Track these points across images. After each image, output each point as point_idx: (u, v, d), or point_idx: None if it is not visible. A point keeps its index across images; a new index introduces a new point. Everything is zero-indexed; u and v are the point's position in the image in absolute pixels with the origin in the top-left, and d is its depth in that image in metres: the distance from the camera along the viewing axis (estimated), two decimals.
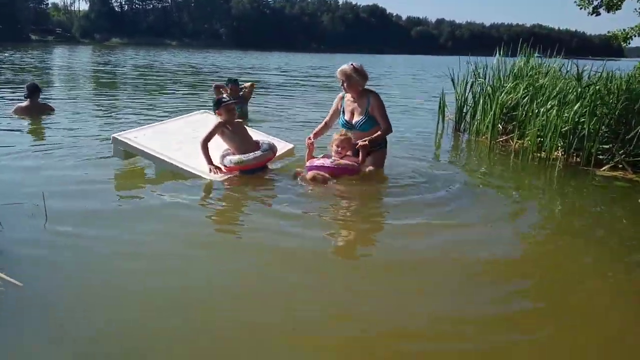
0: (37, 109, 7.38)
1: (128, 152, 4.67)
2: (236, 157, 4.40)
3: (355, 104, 4.56)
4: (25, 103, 7.34)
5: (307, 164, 4.47)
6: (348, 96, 4.61)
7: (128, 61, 27.73)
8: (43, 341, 2.17)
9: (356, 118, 4.55)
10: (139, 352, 2.14)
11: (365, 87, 4.55)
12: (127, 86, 13.81)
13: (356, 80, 4.47)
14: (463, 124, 7.67)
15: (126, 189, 4.31)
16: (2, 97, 9.48)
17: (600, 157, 5.53)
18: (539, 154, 5.93)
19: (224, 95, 4.97)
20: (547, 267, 3.07)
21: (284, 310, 2.46)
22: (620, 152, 5.44)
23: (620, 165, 5.39)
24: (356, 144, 4.45)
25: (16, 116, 7.18)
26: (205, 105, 8.63)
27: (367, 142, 4.38)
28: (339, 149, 4.37)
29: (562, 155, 5.80)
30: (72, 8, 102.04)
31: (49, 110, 7.55)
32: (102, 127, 6.84)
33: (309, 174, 4.29)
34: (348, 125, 4.59)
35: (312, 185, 4.22)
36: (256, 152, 4.45)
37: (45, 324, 2.30)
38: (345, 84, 4.51)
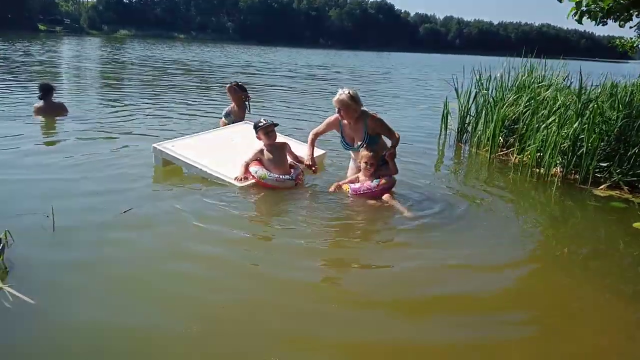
0: (52, 109, 7.56)
1: (166, 160, 5.06)
2: (261, 172, 4.66)
3: (353, 129, 4.75)
4: (40, 103, 7.53)
5: (350, 189, 4.63)
6: (345, 121, 4.75)
7: (136, 54, 27.85)
8: None
9: (357, 142, 4.76)
10: None
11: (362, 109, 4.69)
12: (134, 82, 13.89)
13: (353, 108, 4.60)
14: (465, 135, 7.74)
15: (141, 197, 4.40)
16: (19, 95, 9.62)
17: (598, 175, 5.61)
18: (537, 170, 6.00)
19: (262, 120, 4.98)
20: (536, 293, 3.17)
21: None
22: (617, 171, 5.51)
23: (617, 184, 5.46)
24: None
25: (34, 116, 7.40)
26: (214, 106, 8.71)
27: (394, 150, 4.63)
28: (368, 165, 4.59)
29: (560, 172, 5.88)
30: None
31: (63, 112, 7.69)
32: (114, 130, 6.96)
33: (371, 202, 4.48)
34: (351, 147, 4.83)
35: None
36: (282, 175, 4.68)
37: (55, 343, 2.42)
38: (342, 112, 4.64)
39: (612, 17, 4.46)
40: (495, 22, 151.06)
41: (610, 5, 3.68)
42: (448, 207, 4.50)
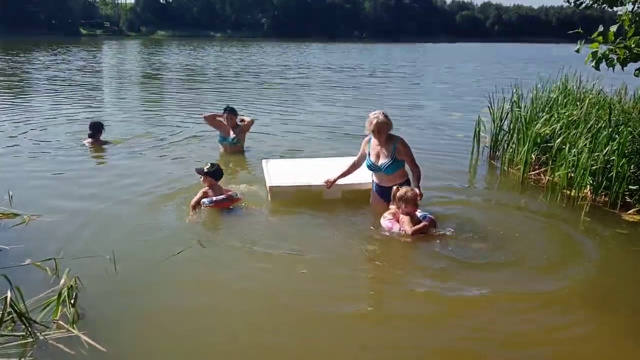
0: (99, 146, 7.95)
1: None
2: (208, 200, 5.26)
3: (381, 147, 5.06)
4: (88, 141, 7.95)
5: (406, 225, 4.64)
6: (373, 140, 5.09)
7: (174, 58, 28.67)
8: None
9: (382, 160, 5.05)
10: None
11: (390, 132, 5.07)
12: (174, 94, 14.39)
13: (388, 128, 5.01)
14: (497, 152, 7.82)
15: (197, 233, 4.81)
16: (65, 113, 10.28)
17: (628, 199, 5.67)
18: (568, 192, 6.10)
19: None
20: (552, 327, 3.40)
21: None
22: None
23: None
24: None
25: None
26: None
27: (420, 190, 4.83)
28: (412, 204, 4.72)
29: (590, 194, 5.96)
30: (119, 1, 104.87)
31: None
32: (161, 158, 7.41)
33: (432, 230, 4.71)
34: (374, 167, 5.13)
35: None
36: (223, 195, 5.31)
37: None
38: (377, 133, 4.99)
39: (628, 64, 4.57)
40: (536, 7, 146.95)
41: (627, 55, 3.83)
42: (478, 232, 4.76)
